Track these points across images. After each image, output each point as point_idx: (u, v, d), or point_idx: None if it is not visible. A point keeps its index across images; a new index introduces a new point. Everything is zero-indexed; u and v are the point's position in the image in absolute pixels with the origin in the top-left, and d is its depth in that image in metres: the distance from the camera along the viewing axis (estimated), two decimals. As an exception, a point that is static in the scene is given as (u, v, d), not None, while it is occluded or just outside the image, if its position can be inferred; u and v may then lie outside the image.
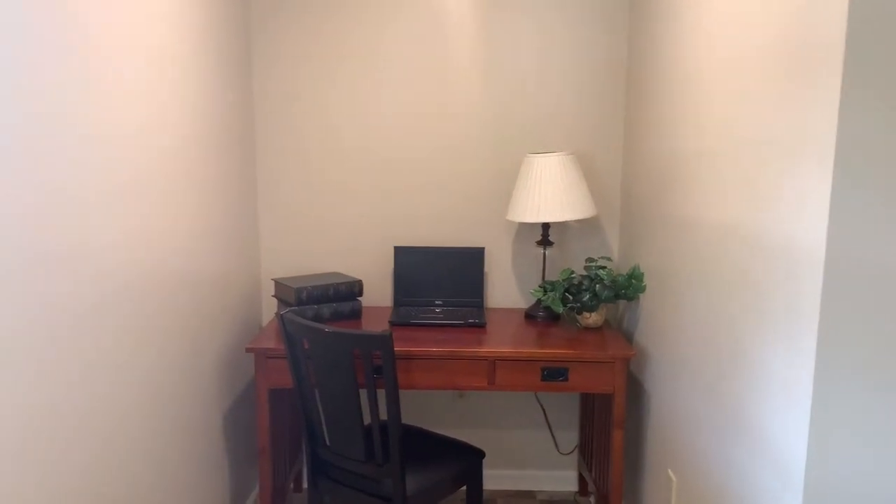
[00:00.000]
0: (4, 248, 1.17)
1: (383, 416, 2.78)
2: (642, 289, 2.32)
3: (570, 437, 2.84)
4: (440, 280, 2.62)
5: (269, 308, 2.78)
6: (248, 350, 2.18)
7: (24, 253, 1.22)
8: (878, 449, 1.22)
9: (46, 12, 1.29)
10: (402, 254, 2.62)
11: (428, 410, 2.83)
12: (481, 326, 2.41)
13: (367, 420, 2.62)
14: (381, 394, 2.72)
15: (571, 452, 2.85)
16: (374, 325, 2.44)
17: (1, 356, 1.16)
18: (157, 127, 1.77)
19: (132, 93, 1.64)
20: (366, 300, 2.76)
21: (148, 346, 1.73)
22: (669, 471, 2.02)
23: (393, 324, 2.42)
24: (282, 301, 2.50)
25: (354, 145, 2.66)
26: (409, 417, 2.84)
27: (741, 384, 1.53)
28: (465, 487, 2.30)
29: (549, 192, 2.36)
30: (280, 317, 2.01)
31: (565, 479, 2.85)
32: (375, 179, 2.68)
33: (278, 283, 2.51)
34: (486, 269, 2.73)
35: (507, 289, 2.74)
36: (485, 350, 2.16)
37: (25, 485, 1.24)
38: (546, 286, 2.45)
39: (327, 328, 1.87)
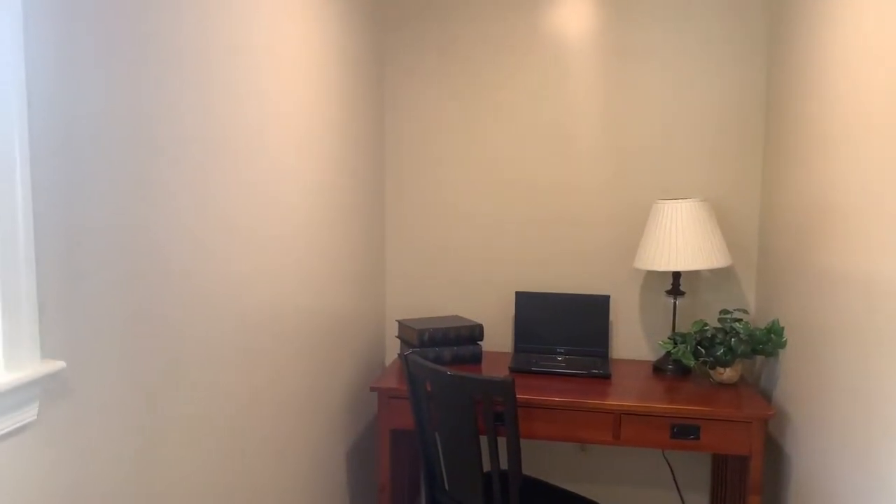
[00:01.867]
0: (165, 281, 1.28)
1: (503, 464, 2.73)
2: (782, 344, 2.16)
3: (699, 501, 2.66)
4: (563, 327, 2.58)
5: (392, 348, 2.84)
6: (373, 389, 2.23)
7: (181, 290, 1.33)
8: None
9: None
10: (523, 299, 2.61)
11: (548, 462, 2.76)
12: (606, 377, 2.33)
13: (487, 467, 2.59)
14: (502, 441, 2.69)
15: (701, 517, 2.67)
16: (494, 370, 2.43)
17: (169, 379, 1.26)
18: (302, 169, 1.89)
19: (287, 139, 1.76)
20: (486, 345, 2.75)
21: (280, 379, 1.81)
22: (816, 547, 1.84)
23: (513, 370, 2.40)
24: (405, 342, 2.55)
25: (481, 191, 2.70)
26: (528, 468, 2.77)
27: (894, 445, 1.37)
28: (585, 546, 2.21)
29: (681, 239, 2.28)
30: (404, 357, 2.04)
31: (694, 547, 2.66)
32: (501, 225, 2.70)
33: (402, 325, 2.57)
34: (612, 317, 2.66)
35: (633, 340, 2.65)
36: (610, 402, 2.09)
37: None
38: (676, 338, 2.35)
39: (449, 371, 1.88)
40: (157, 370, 1.27)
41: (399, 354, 2.59)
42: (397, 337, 2.64)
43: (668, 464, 2.67)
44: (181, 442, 1.36)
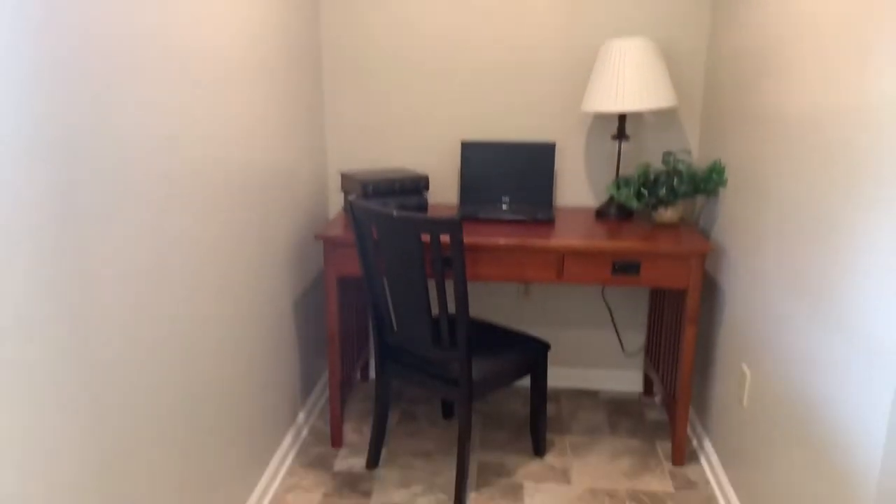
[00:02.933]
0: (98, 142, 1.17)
1: (451, 307, 2.80)
2: (723, 182, 2.20)
3: (636, 338, 2.80)
4: (508, 177, 2.56)
5: (335, 202, 2.79)
6: (318, 238, 2.19)
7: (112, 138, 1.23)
8: None
9: None
10: (469, 149, 2.56)
11: (494, 307, 2.83)
12: (549, 222, 2.35)
13: (435, 312, 2.64)
14: (450, 286, 2.73)
15: (637, 353, 2.82)
16: (441, 218, 2.42)
17: (96, 227, 1.19)
18: (226, 13, 1.73)
19: (198, -37, 1.59)
20: (432, 197, 2.73)
21: (218, 234, 1.75)
22: (743, 365, 1.96)
23: (460, 218, 2.39)
24: (348, 194, 2.50)
25: (423, 36, 2.56)
26: (475, 313, 2.85)
27: (824, 268, 1.44)
28: (529, 378, 2.31)
29: (629, 79, 2.23)
30: (349, 202, 2.00)
31: (629, 380, 2.83)
32: (444, 71, 2.59)
33: (345, 176, 2.50)
34: (558, 165, 2.65)
35: (579, 187, 2.66)
36: (554, 243, 2.11)
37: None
38: (620, 182, 2.36)
39: (396, 212, 1.85)
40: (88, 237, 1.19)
41: (343, 207, 2.54)
42: (341, 189, 2.58)
43: (607, 305, 2.78)
44: (119, 303, 1.31)
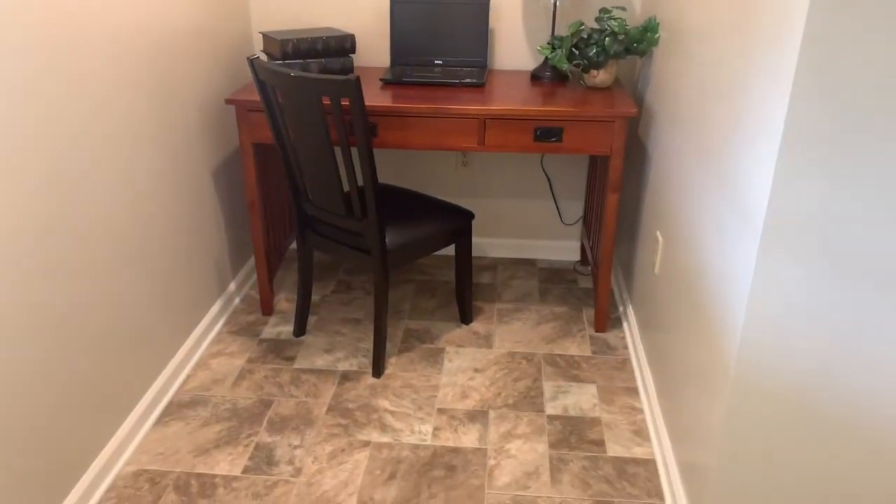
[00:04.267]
0: None
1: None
2: (655, 41, 2.08)
3: (575, 208, 2.77)
4: (441, 37, 2.41)
5: (264, 67, 2.65)
6: (228, 102, 2.09)
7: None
8: (839, 191, 1.09)
9: None
10: (399, 6, 2.40)
11: (429, 178, 2.77)
12: (479, 86, 2.25)
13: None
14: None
15: (576, 223, 2.80)
16: (367, 82, 2.30)
17: None
18: None
19: None
20: (361, 59, 2.59)
21: (121, 100, 1.65)
22: (658, 232, 1.94)
23: (385, 81, 2.28)
24: (269, 56, 2.36)
25: None
26: (409, 183, 2.79)
27: (722, 128, 1.38)
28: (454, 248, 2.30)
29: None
30: (250, 62, 1.88)
31: (567, 250, 2.83)
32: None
33: (266, 37, 2.35)
34: (493, 25, 2.49)
35: (514, 48, 2.52)
36: (474, 108, 2.02)
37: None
38: (554, 42, 2.23)
39: (293, 72, 1.75)
40: None
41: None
42: (262, 51, 2.43)
43: (546, 175, 2.72)
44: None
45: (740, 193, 1.27)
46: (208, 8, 2.20)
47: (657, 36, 2.07)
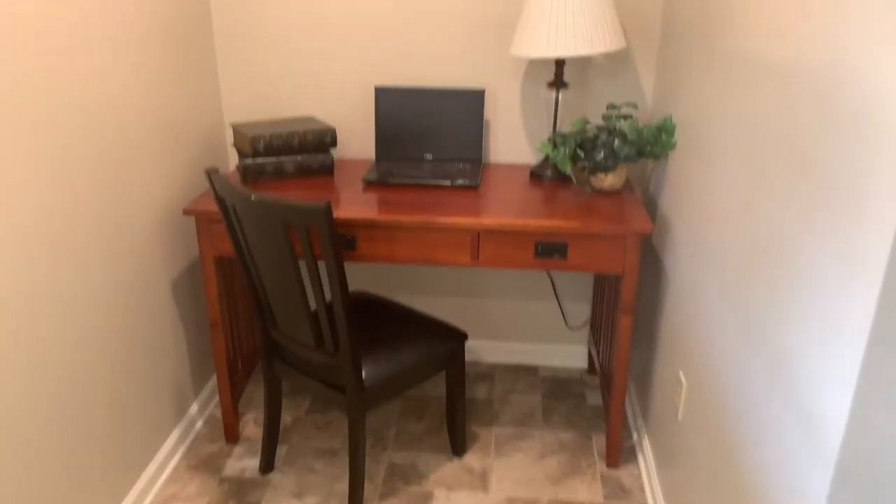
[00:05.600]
0: None
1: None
2: (672, 145, 1.84)
3: (581, 310, 2.50)
4: (431, 129, 2.18)
5: (235, 160, 2.41)
6: (187, 213, 1.84)
7: None
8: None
9: None
10: (385, 96, 2.17)
11: (418, 275, 2.51)
12: (473, 188, 2.00)
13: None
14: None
15: (582, 327, 2.52)
16: (348, 183, 2.06)
17: None
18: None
19: None
20: (343, 152, 2.35)
21: (70, 209, 1.39)
22: (680, 373, 1.66)
23: (369, 182, 2.03)
24: (240, 153, 2.12)
25: (324, -44, 2.11)
26: (393, 284, 2.52)
27: (764, 283, 1.11)
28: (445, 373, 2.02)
29: (565, 16, 1.82)
30: (208, 175, 1.64)
31: (573, 355, 2.55)
32: (354, 4, 2.16)
33: (236, 130, 2.12)
34: (488, 115, 2.26)
35: (512, 141, 2.28)
36: (467, 220, 1.77)
37: None
38: (556, 139, 2.00)
39: (253, 196, 1.50)
40: None
41: (237, 166, 2.17)
42: (234, 146, 2.19)
43: (549, 274, 2.45)
44: None
45: (803, 400, 1.00)
46: (172, 91, 1.96)
47: (674, 140, 1.83)
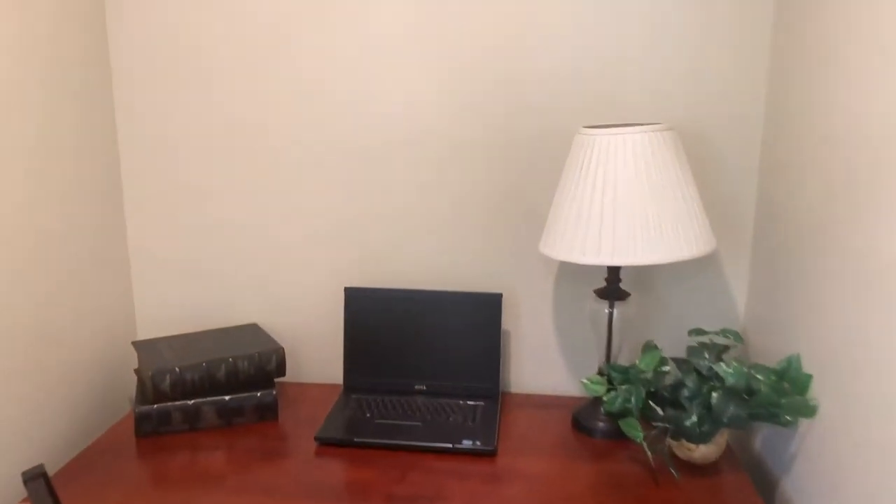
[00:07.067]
0: None
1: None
2: (811, 411, 1.13)
3: None
4: (425, 349, 1.50)
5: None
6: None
7: None
8: None
9: None
10: (357, 301, 1.51)
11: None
12: (488, 454, 1.29)
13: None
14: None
15: None
16: (294, 437, 1.35)
17: None
18: None
19: None
20: (297, 375, 1.66)
21: None
22: None
23: (322, 441, 1.32)
24: (140, 389, 1.43)
25: (283, 115, 1.53)
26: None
27: None
28: None
29: (624, 209, 1.19)
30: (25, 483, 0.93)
31: None
32: (319, 174, 1.55)
33: (139, 351, 1.44)
34: (507, 324, 1.59)
35: (542, 363, 1.59)
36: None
37: None
38: (612, 374, 1.31)
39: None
40: None
41: (132, 409, 1.48)
42: (135, 372, 1.50)
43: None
44: None
45: None
46: (68, 296, 1.30)
47: (814, 404, 1.13)
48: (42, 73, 1.30)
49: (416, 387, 1.51)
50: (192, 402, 1.36)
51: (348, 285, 1.59)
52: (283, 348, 1.44)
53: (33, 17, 1.28)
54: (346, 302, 1.51)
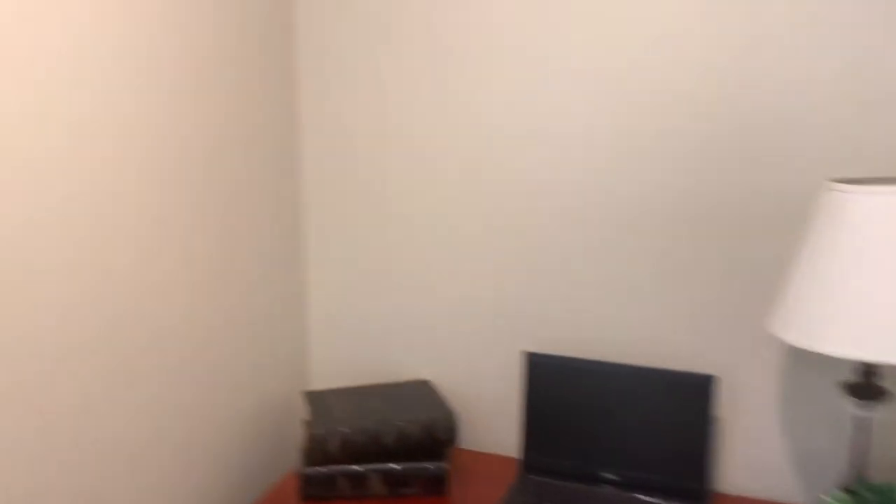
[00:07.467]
0: None
1: None
2: None
3: None
4: (616, 431, 1.29)
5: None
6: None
7: None
8: None
9: None
10: (540, 368, 1.34)
11: None
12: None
13: None
14: None
15: None
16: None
17: None
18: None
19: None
20: (473, 442, 1.51)
21: None
22: None
23: (496, 533, 1.16)
24: (308, 449, 1.37)
25: (459, 170, 1.42)
26: None
27: None
28: None
29: (889, 290, 0.91)
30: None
31: None
32: (505, 225, 1.41)
33: (310, 403, 1.38)
34: (723, 414, 1.32)
35: (765, 460, 1.30)
36: None
37: None
38: (867, 494, 1.01)
39: None
40: None
41: (296, 467, 1.43)
42: (303, 424, 1.45)
43: None
44: None
45: None
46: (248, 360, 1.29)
47: None
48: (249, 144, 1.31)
49: (605, 475, 1.30)
50: (361, 467, 1.27)
51: (527, 348, 1.42)
52: (455, 414, 1.31)
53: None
54: (528, 369, 1.35)
